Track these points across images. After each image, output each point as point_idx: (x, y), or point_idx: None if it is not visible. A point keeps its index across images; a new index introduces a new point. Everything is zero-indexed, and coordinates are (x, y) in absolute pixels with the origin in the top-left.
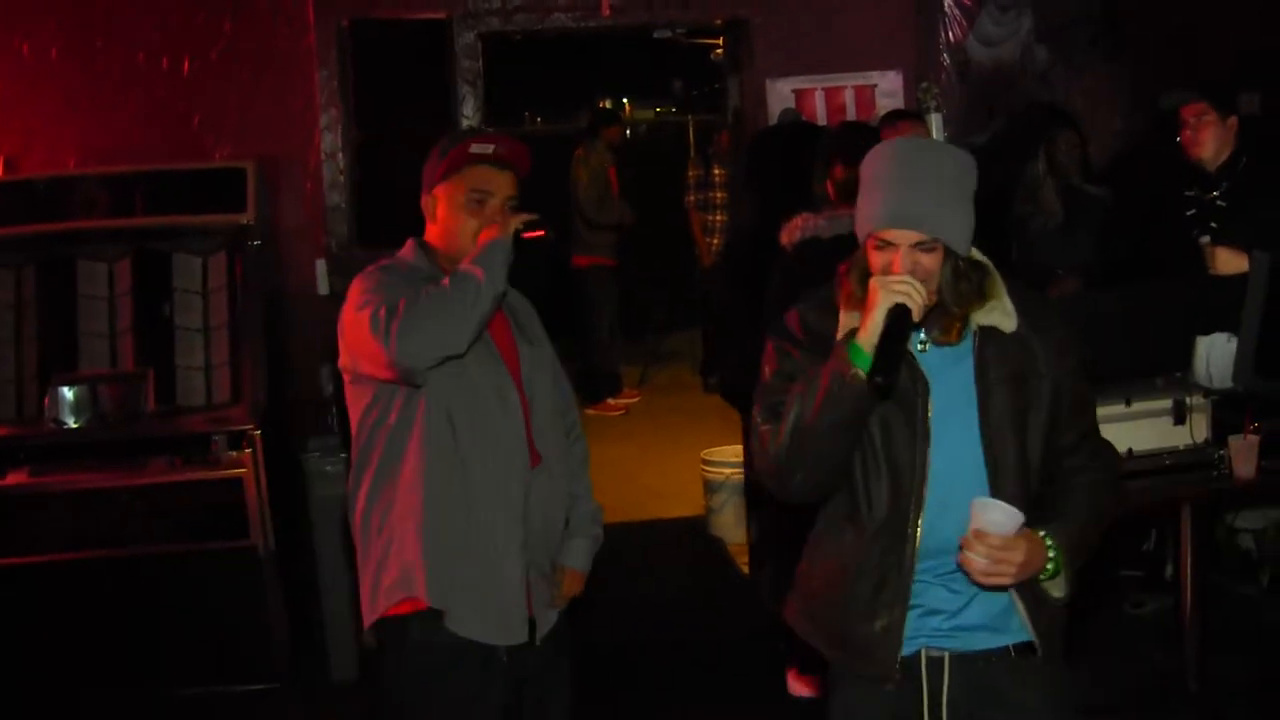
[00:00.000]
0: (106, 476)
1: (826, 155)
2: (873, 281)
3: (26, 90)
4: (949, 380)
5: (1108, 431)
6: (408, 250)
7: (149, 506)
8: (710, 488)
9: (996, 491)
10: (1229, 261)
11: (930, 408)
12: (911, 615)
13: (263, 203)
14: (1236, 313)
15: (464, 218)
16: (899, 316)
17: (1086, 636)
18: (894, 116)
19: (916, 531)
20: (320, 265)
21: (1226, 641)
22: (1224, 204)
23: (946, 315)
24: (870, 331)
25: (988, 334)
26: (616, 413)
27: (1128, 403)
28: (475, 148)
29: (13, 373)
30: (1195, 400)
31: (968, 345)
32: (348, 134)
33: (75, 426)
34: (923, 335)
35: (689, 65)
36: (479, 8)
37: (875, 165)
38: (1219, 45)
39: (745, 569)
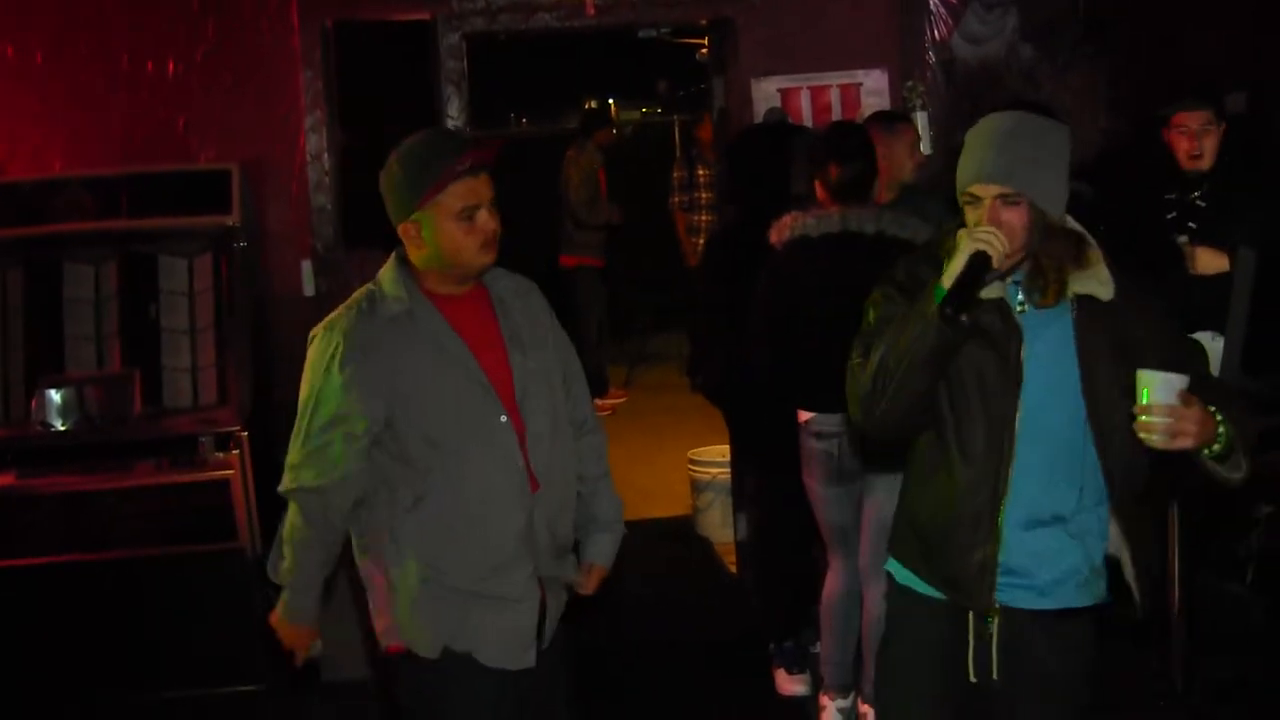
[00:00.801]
0: (94, 479)
1: (819, 155)
2: (960, 232)
3: (11, 93)
4: (1045, 338)
5: None
6: (387, 276)
7: (136, 508)
8: (697, 487)
9: (1105, 454)
10: (1209, 262)
11: (1023, 357)
12: (1002, 552)
13: (248, 205)
14: (1219, 312)
15: (460, 236)
16: (977, 260)
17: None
18: (891, 119)
19: (1009, 471)
20: (306, 267)
21: (1213, 639)
22: (1204, 204)
23: (1041, 277)
24: (950, 274)
25: (1084, 302)
26: (603, 413)
27: None
28: (457, 167)
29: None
30: None
31: (1065, 310)
32: (333, 136)
33: (62, 429)
34: (1020, 296)
35: (674, 66)
36: (463, 8)
37: (976, 129)
38: (1205, 44)
39: (732, 568)
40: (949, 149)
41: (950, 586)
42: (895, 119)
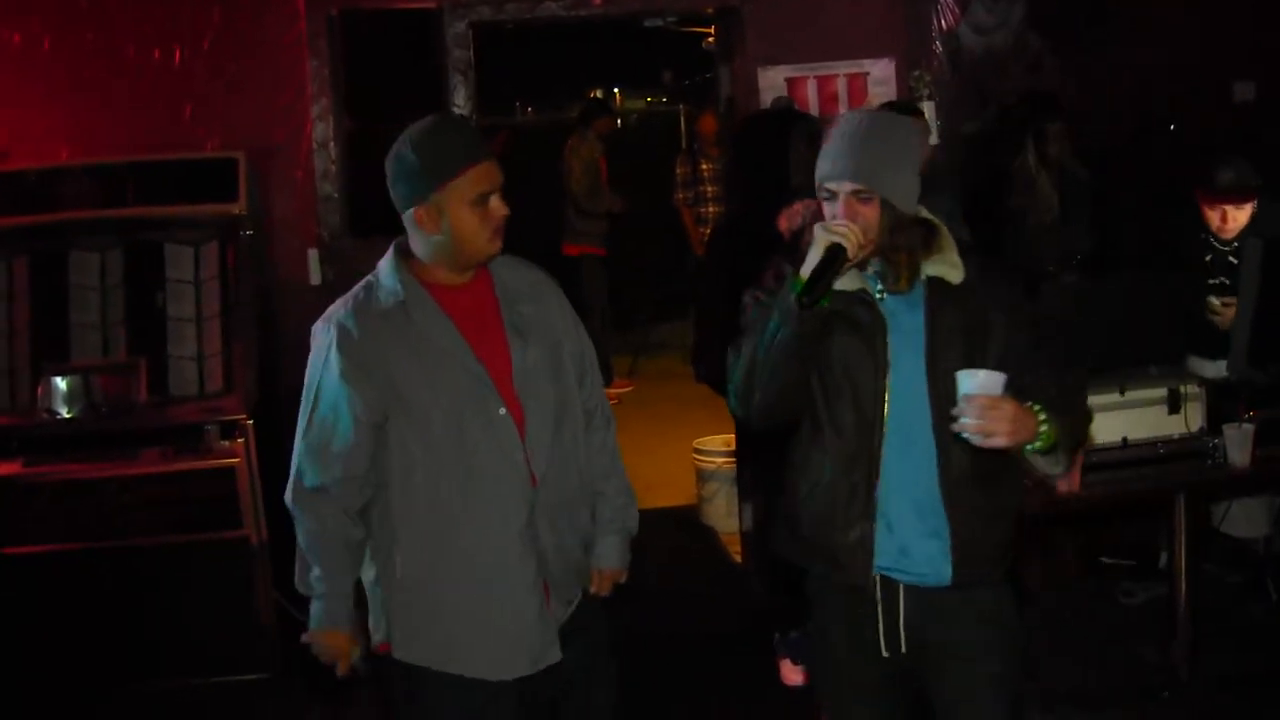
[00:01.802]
0: (99, 467)
1: (821, 141)
2: (815, 226)
3: (17, 82)
4: (904, 323)
5: (1103, 419)
6: (388, 276)
7: (141, 497)
8: (702, 477)
9: (940, 430)
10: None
11: (889, 343)
12: (879, 529)
13: (254, 193)
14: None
15: (475, 224)
16: (831, 253)
17: (1079, 626)
18: (897, 110)
19: (880, 449)
20: (312, 255)
21: (1217, 631)
22: (1235, 260)
23: (893, 264)
24: (808, 265)
25: (935, 284)
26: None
27: (1122, 391)
28: (480, 154)
29: (5, 364)
30: (1190, 389)
31: (919, 292)
32: (339, 124)
33: (68, 417)
34: (879, 285)
35: (680, 55)
36: None
37: (833, 129)
38: (1212, 33)
39: (737, 558)
40: (956, 139)
41: (831, 564)
42: (903, 110)
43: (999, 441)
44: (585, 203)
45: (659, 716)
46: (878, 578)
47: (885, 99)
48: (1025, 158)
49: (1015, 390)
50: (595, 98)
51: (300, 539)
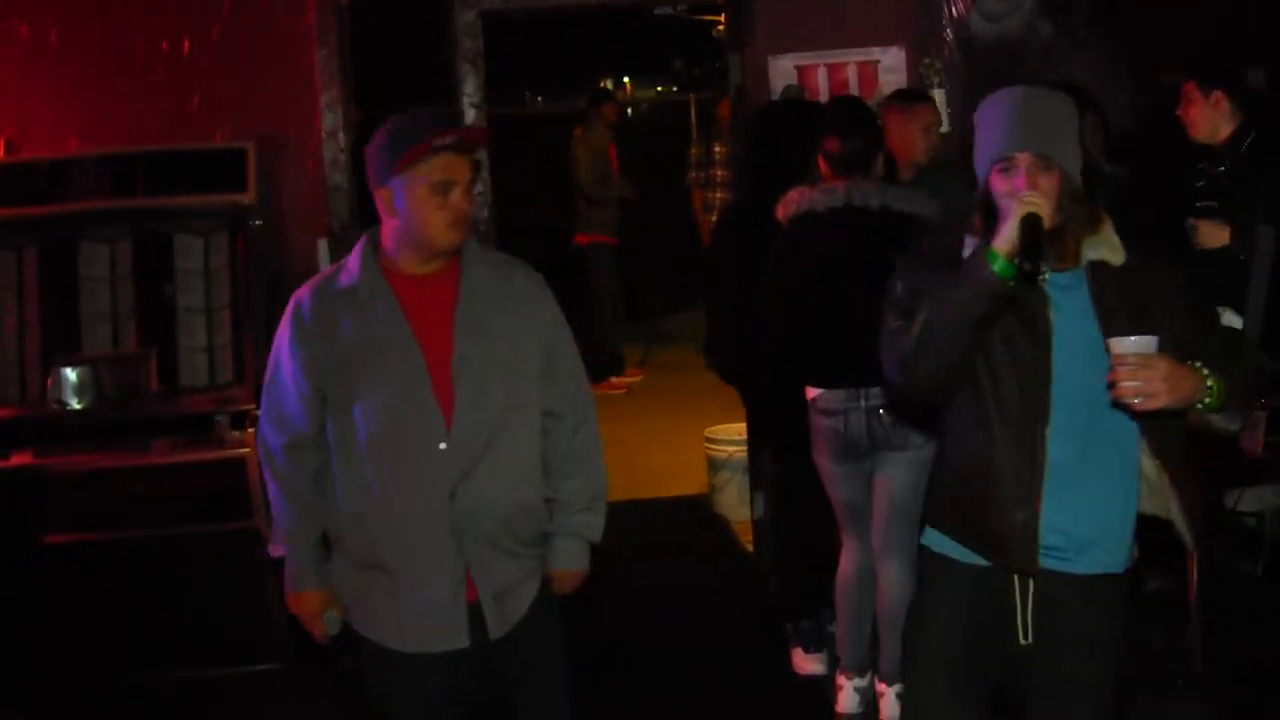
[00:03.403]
0: (109, 457)
1: (819, 128)
2: (1005, 199)
3: (26, 72)
4: (1065, 302)
5: None
6: (354, 259)
7: (152, 487)
8: (714, 466)
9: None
10: (1210, 235)
11: (1052, 321)
12: (1045, 511)
13: (263, 183)
14: (1225, 288)
15: (430, 211)
16: (1033, 223)
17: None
18: (908, 98)
19: (1046, 429)
20: (322, 245)
21: (1230, 620)
22: (1229, 180)
23: (1060, 242)
24: (1006, 239)
25: (1098, 267)
26: (619, 391)
27: None
28: (437, 141)
29: (15, 354)
30: None
31: (1080, 276)
32: (348, 113)
33: (78, 407)
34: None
35: (690, 43)
36: None
37: (991, 107)
38: (1224, 20)
39: (749, 547)
40: (966, 128)
41: (992, 549)
42: (913, 98)
43: (1159, 401)
44: (594, 191)
45: (671, 706)
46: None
47: (896, 87)
48: None
49: (1176, 351)
50: (603, 87)
51: (270, 500)
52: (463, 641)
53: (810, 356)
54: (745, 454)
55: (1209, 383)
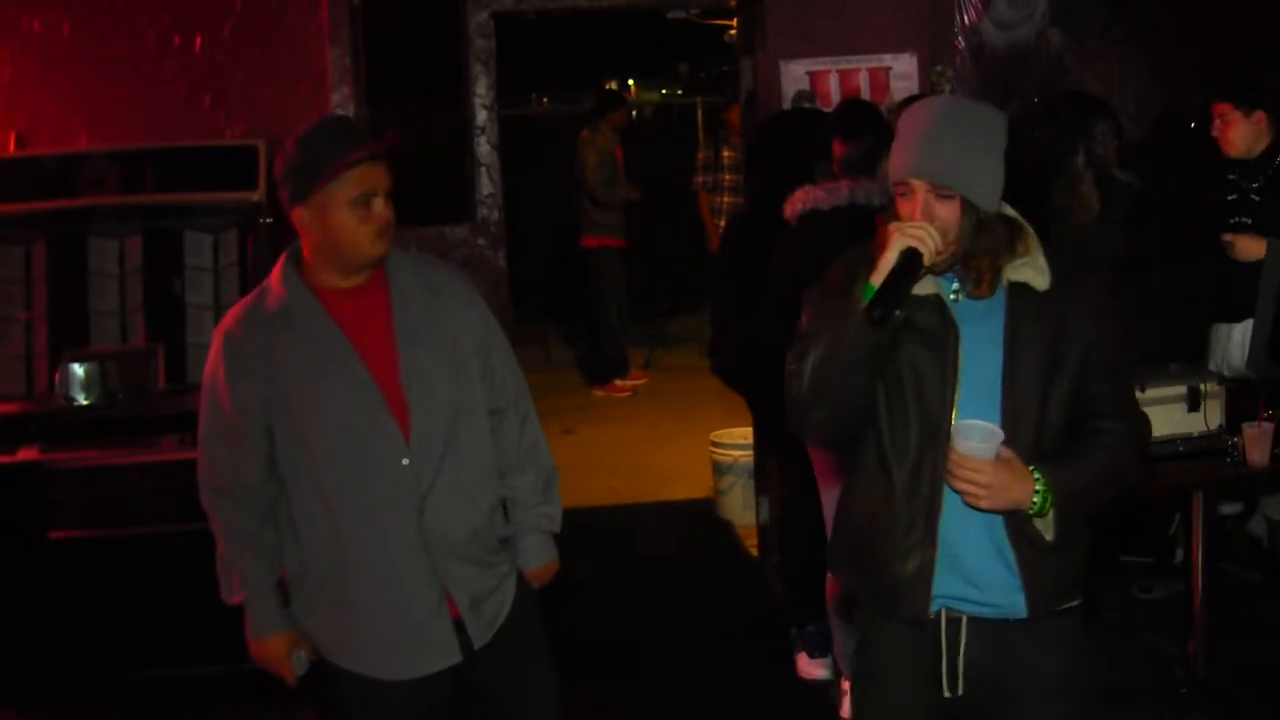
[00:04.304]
0: (116, 454)
1: (826, 133)
2: (890, 226)
3: (37, 67)
4: (980, 331)
5: None
6: (277, 280)
7: (159, 484)
8: (719, 470)
9: (1011, 444)
10: (1247, 249)
11: (960, 353)
12: (940, 561)
13: (274, 181)
14: (1252, 300)
15: (354, 224)
16: (908, 258)
17: (1094, 622)
18: (912, 103)
19: (944, 470)
20: None
21: (1234, 628)
22: (1258, 197)
23: (975, 268)
24: (881, 271)
25: (1019, 290)
26: (623, 394)
27: (1141, 389)
28: (352, 157)
29: (23, 349)
30: (1209, 387)
31: (1000, 300)
32: (359, 113)
33: (85, 403)
34: (955, 285)
35: (695, 47)
36: None
37: (906, 119)
38: (1236, 27)
39: (754, 551)
40: None
41: (885, 595)
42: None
43: (980, 504)
44: (601, 194)
45: (674, 709)
46: (943, 612)
47: (907, 93)
48: (1074, 158)
49: (1069, 433)
50: (610, 89)
51: (219, 544)
52: (454, 658)
53: None
54: (751, 458)
55: (1036, 496)
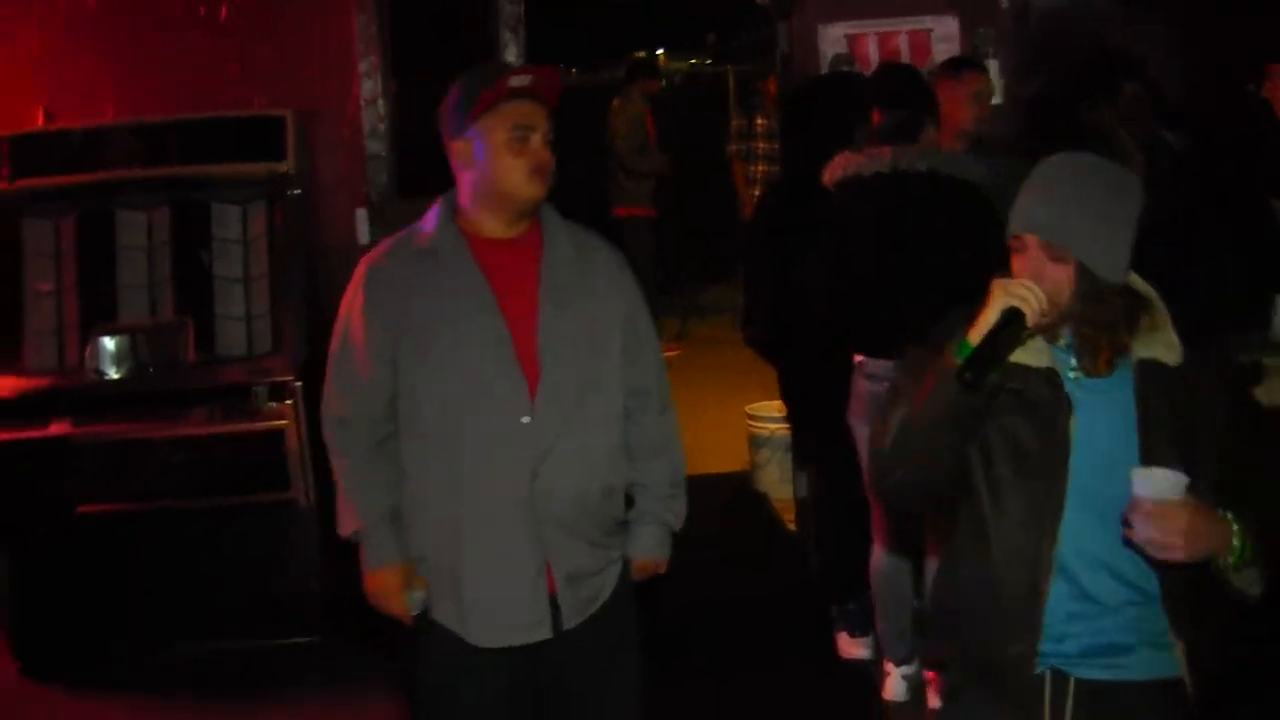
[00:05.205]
0: (146, 427)
1: (864, 100)
2: (995, 281)
3: (64, 40)
4: (1101, 407)
5: None
6: (431, 220)
7: (189, 458)
8: (755, 443)
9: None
10: None
11: (1073, 429)
12: (1046, 637)
13: (302, 151)
14: None
15: (509, 158)
16: (1009, 319)
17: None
18: (957, 66)
19: (1051, 557)
20: (360, 215)
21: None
22: None
23: (1088, 342)
24: (979, 329)
25: (1149, 367)
26: None
27: None
28: (514, 80)
29: (53, 323)
30: (1274, 361)
31: (1125, 378)
32: (387, 81)
33: (116, 377)
34: (1073, 362)
35: (724, 15)
36: None
37: (1038, 171)
38: None
39: (791, 525)
40: (1019, 99)
41: (983, 673)
42: (961, 66)
43: (1174, 556)
44: (632, 163)
45: (711, 684)
46: (1048, 673)
47: (948, 56)
48: (1098, 113)
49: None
50: (640, 58)
51: (336, 476)
52: (543, 634)
53: (858, 323)
54: (787, 431)
55: (1235, 541)
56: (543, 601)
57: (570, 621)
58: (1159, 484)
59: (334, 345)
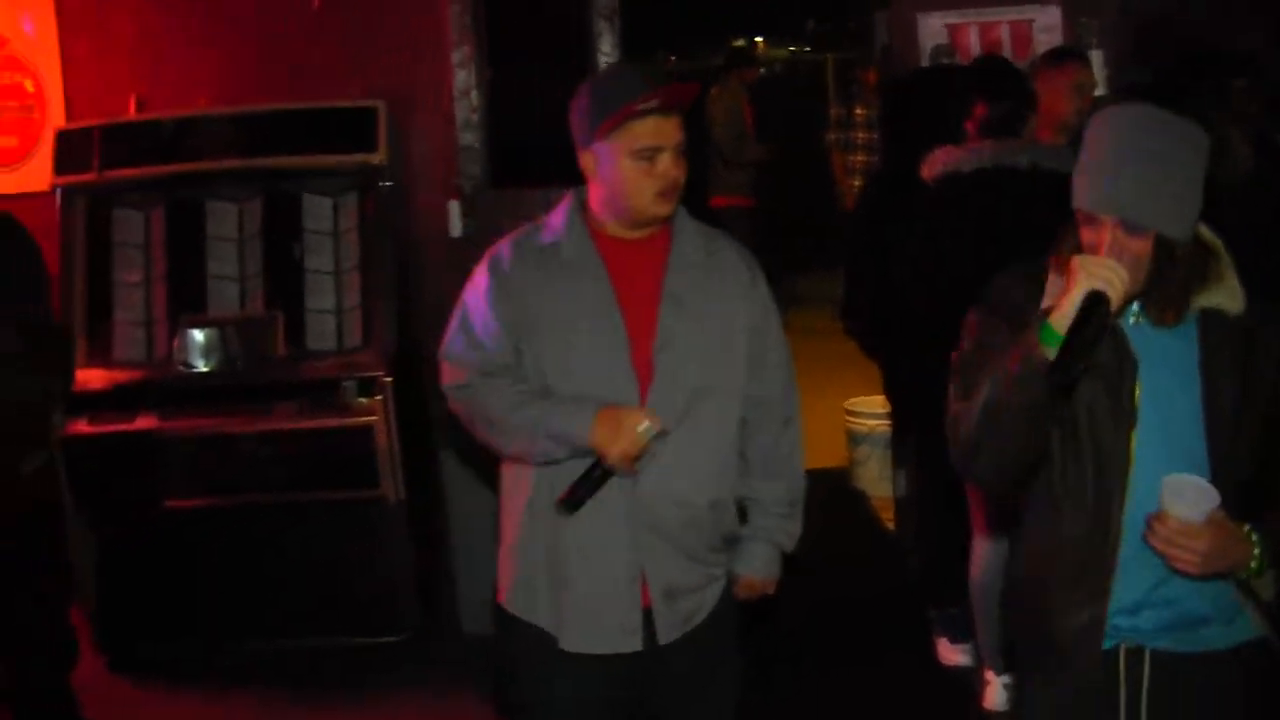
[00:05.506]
0: (234, 421)
1: (966, 92)
2: (1074, 259)
3: (155, 28)
4: (1163, 361)
5: None
6: (559, 216)
7: (277, 453)
8: (854, 439)
9: (1218, 486)
10: None
11: (1138, 388)
12: (1114, 608)
13: (394, 142)
14: None
15: (636, 178)
16: (1094, 304)
17: None
18: (1058, 56)
19: (1120, 521)
20: (453, 207)
21: None
22: None
23: (1163, 297)
24: (1064, 315)
25: (1212, 317)
26: None
27: None
28: (640, 106)
29: (142, 315)
30: None
31: (1189, 328)
32: (481, 71)
33: (204, 370)
34: (1135, 308)
35: (824, 2)
36: None
37: (1096, 132)
38: None
39: (890, 525)
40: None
41: (1051, 646)
42: (1063, 56)
43: (1190, 571)
44: (730, 152)
45: (808, 689)
46: (1121, 649)
47: (1050, 47)
48: (1209, 110)
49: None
50: (738, 46)
51: (492, 417)
52: (633, 645)
53: (954, 319)
54: (887, 428)
55: (1254, 561)
56: (636, 611)
57: (666, 636)
58: (1187, 498)
59: (453, 325)
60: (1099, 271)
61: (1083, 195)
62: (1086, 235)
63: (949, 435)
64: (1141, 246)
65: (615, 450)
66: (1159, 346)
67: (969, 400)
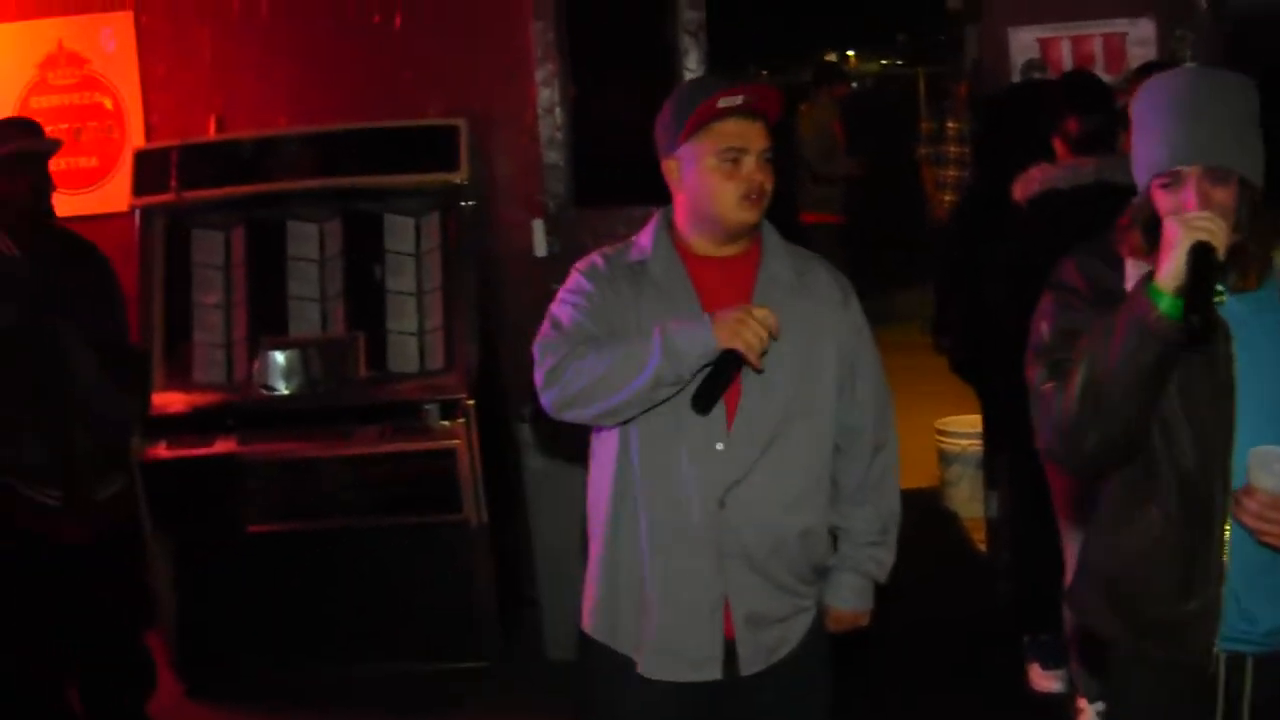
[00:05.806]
0: (315, 445)
1: (1055, 107)
2: (1169, 221)
3: (235, 47)
4: (1255, 330)
5: None
6: (646, 235)
7: (358, 477)
8: (945, 459)
9: None
10: None
11: (1235, 359)
12: (1227, 594)
13: (476, 161)
14: None
15: (719, 181)
16: (1203, 254)
17: None
18: (1154, 70)
19: (1226, 498)
20: (537, 226)
21: None
22: None
23: (1243, 258)
24: (1171, 273)
25: None
26: None
27: None
28: (723, 101)
29: (222, 337)
30: None
31: (1271, 291)
32: (565, 89)
33: (285, 392)
34: (1220, 284)
35: (915, 15)
36: None
37: (1150, 100)
38: None
39: (982, 546)
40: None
41: (1159, 636)
42: (1157, 70)
43: (1276, 545)
44: (819, 168)
45: (895, 706)
46: (1220, 654)
47: (1144, 60)
48: None
49: None
50: (829, 61)
51: (596, 371)
52: (712, 674)
53: None
54: (979, 448)
55: None
56: (717, 639)
57: (749, 667)
58: (1276, 471)
59: (541, 333)
60: (1199, 223)
61: (1159, 157)
62: (1166, 202)
63: (1035, 420)
64: (1226, 195)
65: (746, 336)
66: (1247, 315)
67: (1060, 382)
